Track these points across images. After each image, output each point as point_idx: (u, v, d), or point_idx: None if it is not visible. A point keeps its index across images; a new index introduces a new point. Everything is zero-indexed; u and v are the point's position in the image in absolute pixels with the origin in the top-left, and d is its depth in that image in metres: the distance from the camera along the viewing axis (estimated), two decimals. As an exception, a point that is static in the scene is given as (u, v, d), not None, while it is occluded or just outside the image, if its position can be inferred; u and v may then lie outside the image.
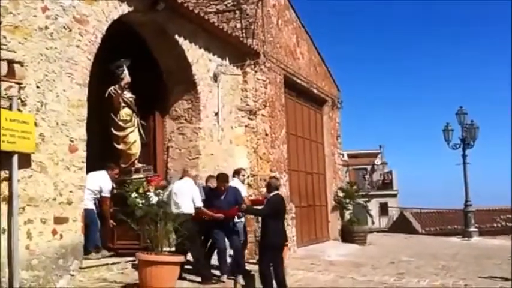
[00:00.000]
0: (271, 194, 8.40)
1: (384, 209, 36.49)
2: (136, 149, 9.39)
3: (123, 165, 9.29)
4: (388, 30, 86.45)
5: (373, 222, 23.42)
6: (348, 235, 16.58)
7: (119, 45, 9.39)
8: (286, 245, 9.02)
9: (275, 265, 8.13)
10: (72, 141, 7.12)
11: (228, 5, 12.58)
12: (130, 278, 7.57)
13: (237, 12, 12.48)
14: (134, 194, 8.29)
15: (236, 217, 8.76)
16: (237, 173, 9.80)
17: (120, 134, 9.24)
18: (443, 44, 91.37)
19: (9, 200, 6.07)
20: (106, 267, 7.89)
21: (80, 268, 7.17)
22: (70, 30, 7.21)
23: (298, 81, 14.99)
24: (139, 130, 9.47)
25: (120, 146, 9.29)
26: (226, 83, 11.55)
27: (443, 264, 12.42)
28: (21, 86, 6.38)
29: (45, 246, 6.58)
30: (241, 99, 12.13)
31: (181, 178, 8.84)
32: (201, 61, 10.66)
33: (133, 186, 8.52)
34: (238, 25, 12.41)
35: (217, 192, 8.51)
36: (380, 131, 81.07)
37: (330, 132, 17.61)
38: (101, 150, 9.23)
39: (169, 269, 7.07)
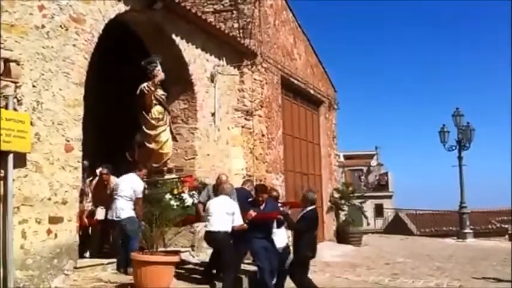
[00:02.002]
0: (308, 209, 7.97)
1: (379, 210, 36.56)
2: (168, 149, 9.06)
3: (154, 165, 8.97)
4: (385, 30, 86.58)
5: (368, 224, 23.49)
6: (343, 236, 16.59)
7: (115, 45, 9.37)
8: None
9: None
10: (68, 141, 7.10)
11: (225, 5, 12.56)
12: (125, 277, 7.54)
13: (234, 12, 12.47)
14: (168, 195, 8.03)
15: (276, 225, 8.21)
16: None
17: (152, 132, 8.90)
18: (440, 45, 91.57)
19: (4, 199, 6.05)
20: (101, 267, 7.86)
21: (75, 268, 7.15)
22: (67, 29, 7.18)
23: (295, 81, 15.00)
24: (170, 129, 9.14)
25: (152, 145, 8.94)
26: (223, 83, 11.54)
27: (438, 265, 12.46)
28: (17, 85, 6.36)
29: (40, 245, 6.56)
30: (237, 99, 12.11)
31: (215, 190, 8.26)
32: (198, 61, 10.65)
33: (166, 187, 8.25)
34: (236, 25, 12.40)
35: (255, 203, 8.03)
36: (376, 132, 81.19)
37: (326, 133, 17.62)
38: (96, 150, 9.19)
39: (164, 269, 7.06)
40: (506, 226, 25.60)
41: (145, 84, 8.83)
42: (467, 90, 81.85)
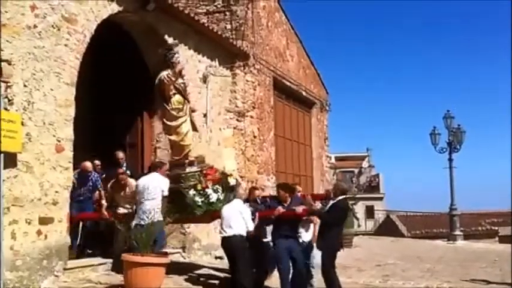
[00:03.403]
0: (338, 198, 7.62)
1: (370, 212, 36.61)
2: (189, 140, 8.60)
3: (175, 158, 8.60)
4: (377, 32, 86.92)
5: (359, 225, 23.53)
6: (334, 237, 16.57)
7: (107, 45, 9.33)
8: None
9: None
10: (59, 141, 7.08)
11: (218, 6, 12.59)
12: (115, 279, 7.52)
13: (227, 13, 12.49)
14: (192, 192, 7.76)
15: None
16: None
17: (173, 124, 8.44)
18: (432, 46, 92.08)
19: (-6, 200, 6.02)
20: (91, 268, 7.83)
21: (65, 269, 7.13)
22: (59, 29, 7.16)
23: (287, 83, 15.04)
24: (190, 119, 8.68)
25: (173, 137, 8.52)
26: (216, 84, 11.54)
27: (428, 267, 12.49)
28: (9, 84, 6.34)
29: (30, 246, 6.53)
30: (230, 100, 12.12)
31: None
32: (191, 62, 10.64)
33: (189, 181, 7.92)
34: (228, 26, 12.42)
35: (279, 200, 7.92)
36: (368, 134, 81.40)
37: (318, 135, 17.67)
38: (89, 150, 9.14)
39: (154, 270, 7.02)
40: (496, 228, 25.80)
41: (164, 73, 8.29)
42: (458, 91, 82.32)
